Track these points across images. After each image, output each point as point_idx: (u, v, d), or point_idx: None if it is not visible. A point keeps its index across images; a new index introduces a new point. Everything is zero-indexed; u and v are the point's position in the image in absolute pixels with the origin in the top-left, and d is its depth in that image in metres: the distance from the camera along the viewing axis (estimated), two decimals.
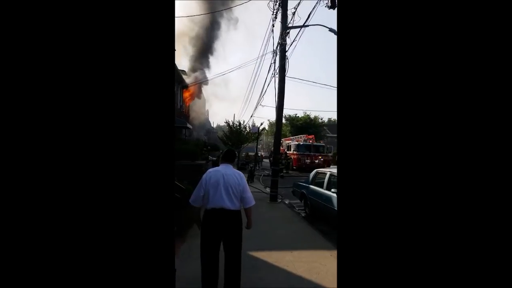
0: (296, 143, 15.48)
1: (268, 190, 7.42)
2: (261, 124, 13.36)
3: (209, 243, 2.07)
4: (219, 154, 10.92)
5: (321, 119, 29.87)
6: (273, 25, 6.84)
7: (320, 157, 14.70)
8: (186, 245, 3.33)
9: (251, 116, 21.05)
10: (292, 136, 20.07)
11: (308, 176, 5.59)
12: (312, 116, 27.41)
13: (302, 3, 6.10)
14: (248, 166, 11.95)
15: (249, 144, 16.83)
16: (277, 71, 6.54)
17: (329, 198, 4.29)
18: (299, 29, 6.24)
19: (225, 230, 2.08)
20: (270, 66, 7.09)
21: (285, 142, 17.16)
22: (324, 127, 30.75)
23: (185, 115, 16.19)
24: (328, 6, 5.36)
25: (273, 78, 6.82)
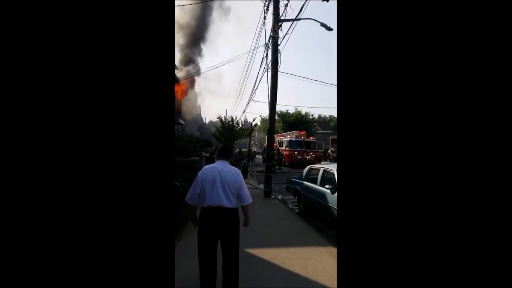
0: (288, 139, 15.53)
1: (261, 186, 7.40)
2: (254, 120, 13.27)
3: (207, 242, 2.01)
4: (212, 150, 10.81)
5: (312, 115, 30.13)
6: (264, 18, 6.73)
7: (311, 153, 14.83)
8: (182, 243, 3.27)
9: (244, 112, 20.98)
10: (284, 132, 20.13)
11: (302, 172, 5.60)
12: (303, 112, 27.57)
13: None
14: (242, 162, 11.90)
15: (242, 140, 16.75)
16: (269, 65, 6.46)
17: (323, 194, 4.30)
18: (291, 22, 6.16)
19: (223, 228, 2.02)
20: (262, 60, 7.01)
21: (277, 138, 17.19)
22: (315, 123, 31.04)
23: (177, 111, 15.90)
24: None
25: (265, 72, 6.74)
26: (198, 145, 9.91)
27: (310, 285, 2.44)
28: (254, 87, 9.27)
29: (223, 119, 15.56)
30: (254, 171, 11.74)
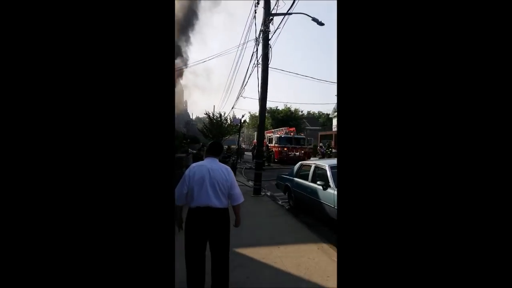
0: (278, 135, 15.51)
1: (251, 183, 7.32)
2: (243, 116, 13.12)
3: (195, 245, 1.88)
4: (199, 146, 10.59)
5: (301, 111, 30.30)
6: (255, 11, 6.56)
7: (301, 149, 14.90)
8: None
9: (232, 108, 20.74)
10: (274, 128, 20.11)
11: (292, 169, 5.55)
12: (292, 108, 27.66)
13: None
14: (231, 159, 11.77)
15: (230, 137, 16.59)
16: (260, 60, 6.32)
17: (314, 191, 4.26)
18: (282, 16, 6.03)
19: (212, 230, 1.90)
20: (252, 55, 6.86)
21: (267, 134, 17.15)
22: (304, 120, 31.26)
23: None
24: None
25: (255, 67, 6.60)
26: (185, 141, 9.68)
27: (303, 285, 2.38)
28: (243, 82, 9.10)
29: (211, 115, 15.30)
30: (243, 168, 11.64)
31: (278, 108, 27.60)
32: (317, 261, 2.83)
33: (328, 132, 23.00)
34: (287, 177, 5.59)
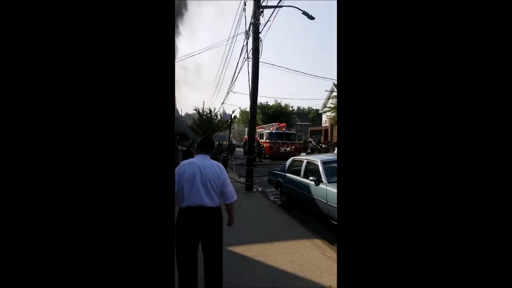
0: (269, 131, 15.49)
1: (242, 179, 7.26)
2: (233, 112, 12.96)
3: (186, 246, 1.80)
4: (189, 143, 10.41)
5: (292, 107, 30.38)
6: (245, 3, 6.41)
7: (292, 144, 14.95)
8: None
9: (222, 103, 20.51)
10: (264, 124, 20.07)
11: (284, 165, 5.52)
12: (283, 104, 27.68)
13: None
14: (221, 155, 11.65)
15: (221, 133, 16.40)
16: (250, 54, 6.20)
17: (307, 186, 4.25)
18: (273, 9, 5.91)
19: (204, 230, 1.82)
20: (242, 48, 6.72)
21: (257, 130, 17.08)
22: (294, 115, 31.38)
23: None
24: None
25: (246, 62, 6.47)
26: (174, 138, 9.49)
27: (297, 282, 2.35)
28: (233, 77, 8.94)
29: (201, 111, 15.05)
30: (234, 164, 11.56)
31: (268, 103, 27.54)
32: (311, 257, 2.82)
33: (318, 128, 23.19)
34: (279, 172, 5.56)
